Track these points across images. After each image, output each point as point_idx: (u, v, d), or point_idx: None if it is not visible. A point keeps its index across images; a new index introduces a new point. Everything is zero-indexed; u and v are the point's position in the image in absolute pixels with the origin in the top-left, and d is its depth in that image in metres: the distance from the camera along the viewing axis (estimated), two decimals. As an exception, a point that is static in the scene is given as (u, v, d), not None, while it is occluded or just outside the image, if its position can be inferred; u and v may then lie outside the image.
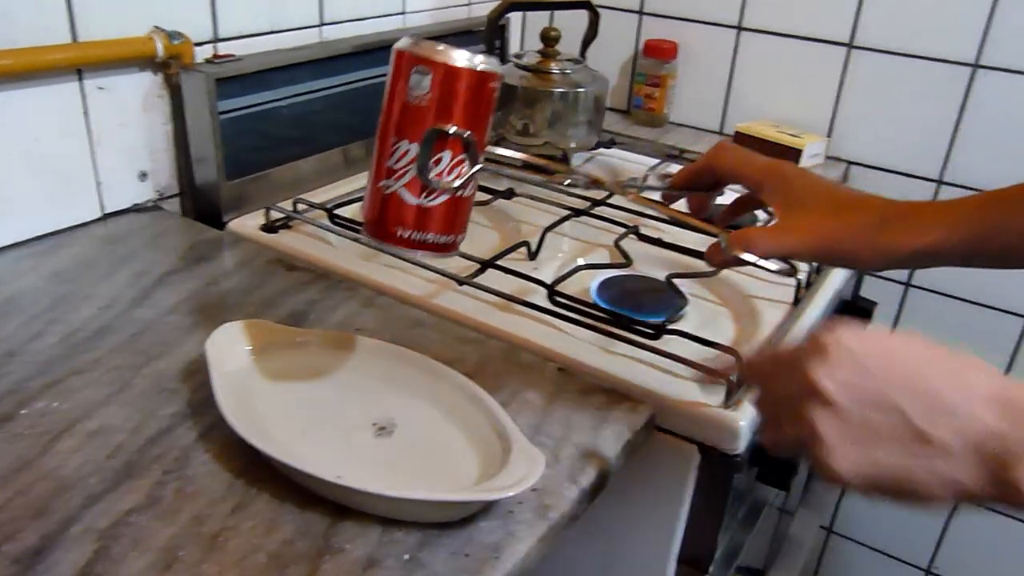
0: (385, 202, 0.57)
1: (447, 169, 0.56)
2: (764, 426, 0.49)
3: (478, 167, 0.57)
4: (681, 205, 0.67)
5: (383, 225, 0.58)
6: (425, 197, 0.56)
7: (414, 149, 0.55)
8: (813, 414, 0.44)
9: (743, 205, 0.67)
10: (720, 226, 0.63)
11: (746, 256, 0.58)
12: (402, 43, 0.56)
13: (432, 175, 0.55)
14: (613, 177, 1.19)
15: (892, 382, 0.43)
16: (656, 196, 0.66)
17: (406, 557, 0.51)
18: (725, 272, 0.90)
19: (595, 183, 0.66)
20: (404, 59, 0.55)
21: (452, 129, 0.55)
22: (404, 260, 0.79)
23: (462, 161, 0.56)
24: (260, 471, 0.57)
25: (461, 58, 0.55)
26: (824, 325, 0.45)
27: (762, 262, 0.59)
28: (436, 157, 0.55)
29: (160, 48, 0.89)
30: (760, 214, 0.75)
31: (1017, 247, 0.55)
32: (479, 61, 0.55)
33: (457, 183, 0.56)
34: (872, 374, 0.44)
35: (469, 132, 0.55)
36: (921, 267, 0.58)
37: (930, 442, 0.43)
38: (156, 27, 0.89)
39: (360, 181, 1.10)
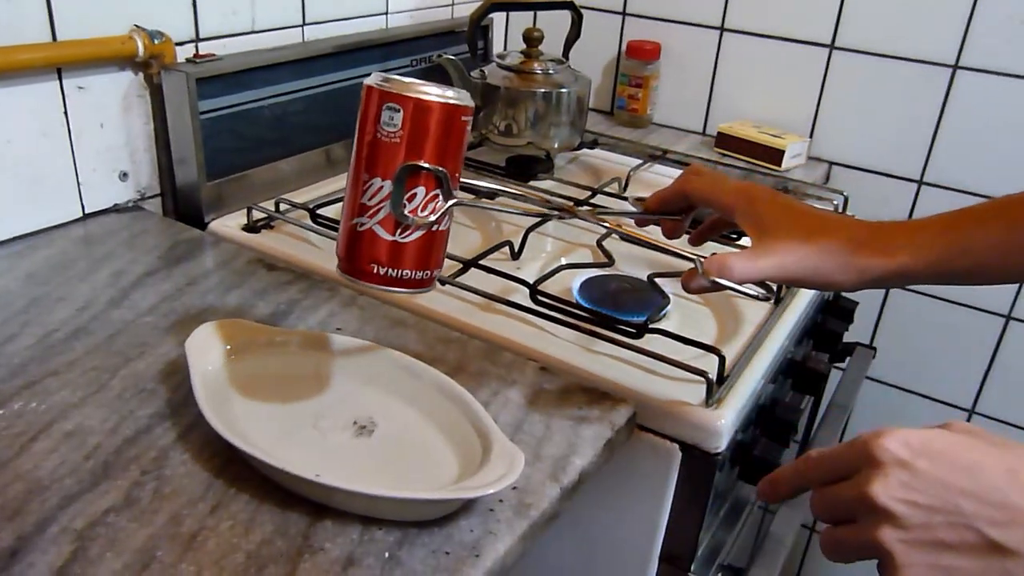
0: (359, 239, 0.56)
1: (421, 205, 0.55)
2: (824, 534, 0.48)
3: (453, 202, 0.56)
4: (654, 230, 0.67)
5: (357, 262, 0.57)
6: (400, 234, 0.56)
7: (387, 186, 0.55)
8: (878, 532, 0.43)
9: (716, 227, 0.68)
10: (694, 245, 0.63)
11: (722, 281, 0.58)
12: (372, 79, 0.56)
13: (407, 211, 0.55)
14: (596, 181, 1.20)
15: (950, 488, 0.43)
16: (630, 221, 0.67)
17: (385, 556, 0.51)
18: (707, 271, 0.90)
19: (567, 211, 0.66)
20: (374, 95, 0.55)
21: (425, 165, 0.54)
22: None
23: (436, 196, 0.56)
24: (239, 471, 0.56)
25: (432, 93, 0.54)
26: (871, 433, 0.45)
27: (739, 287, 0.59)
28: (410, 193, 0.55)
29: (140, 48, 0.89)
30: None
31: (983, 265, 0.56)
32: (450, 95, 0.55)
33: (432, 218, 0.56)
34: (929, 481, 0.43)
35: (442, 168, 0.55)
36: (894, 287, 0.58)
37: (1005, 550, 0.42)
38: (136, 26, 0.89)
39: (341, 182, 1.10)
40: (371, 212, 0.56)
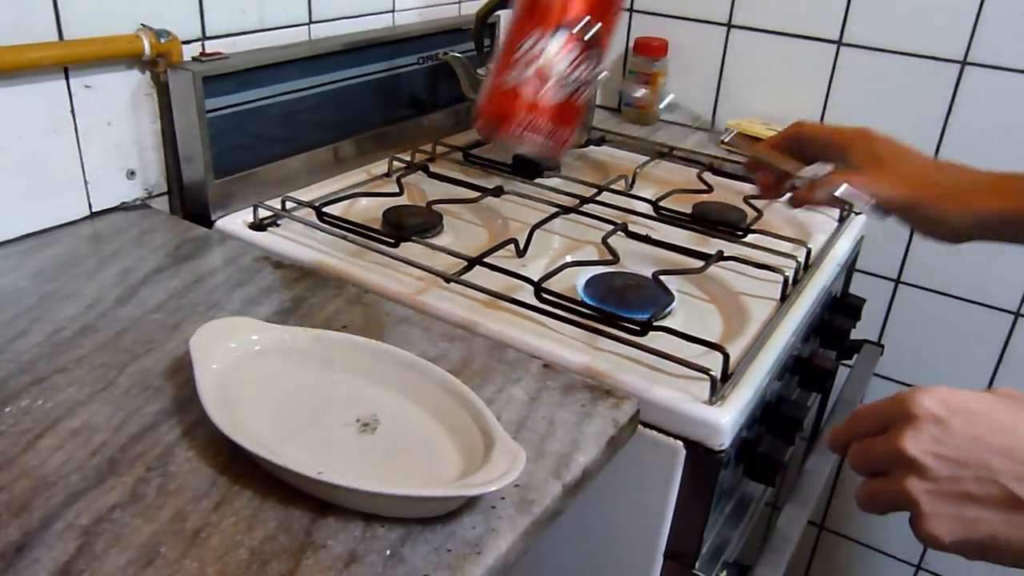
0: (505, 96, 0.58)
1: (573, 65, 0.57)
2: (859, 486, 0.50)
3: (601, 69, 0.58)
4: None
5: (500, 117, 0.59)
6: (545, 92, 0.57)
7: (542, 43, 0.56)
8: (905, 482, 0.45)
9: (814, 187, 0.69)
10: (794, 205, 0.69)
11: (841, 191, 0.61)
12: None
13: (558, 68, 0.56)
14: (603, 178, 1.20)
15: (981, 445, 0.44)
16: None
17: (387, 553, 0.51)
18: (712, 269, 0.90)
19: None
20: None
21: (578, 27, 0.56)
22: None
23: (585, 59, 0.57)
24: (243, 468, 0.57)
25: None
26: (912, 389, 0.46)
27: (857, 199, 0.62)
28: (562, 52, 0.56)
29: (147, 46, 0.89)
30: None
31: None
32: None
33: (576, 75, 0.58)
34: (960, 437, 0.45)
35: (595, 28, 0.56)
36: (999, 233, 0.61)
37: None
38: (143, 25, 0.89)
39: (349, 179, 1.10)
40: (521, 69, 0.57)
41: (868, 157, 0.62)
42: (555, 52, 0.55)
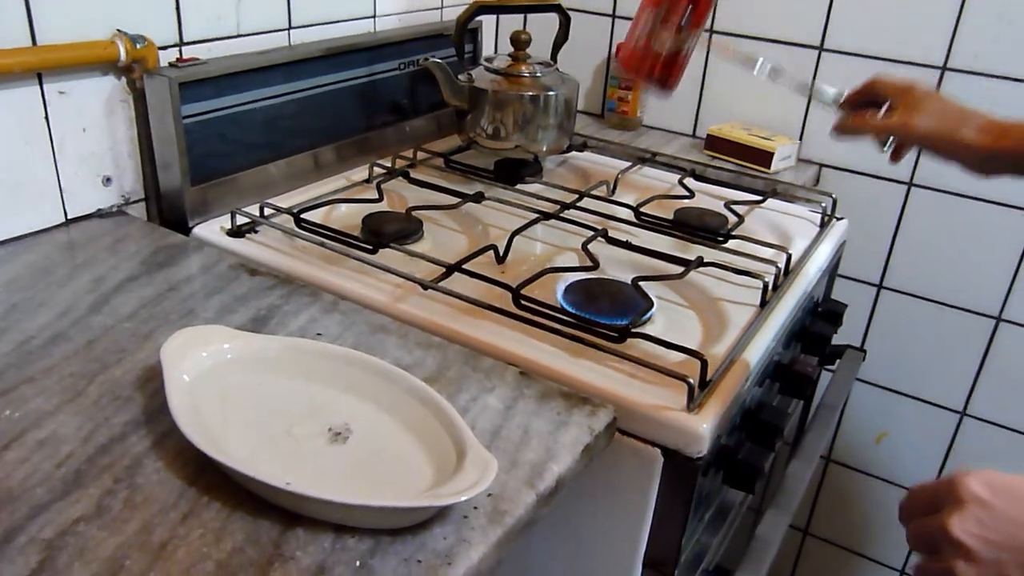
0: (632, 52, 0.83)
1: (675, 29, 0.80)
2: (917, 564, 0.52)
3: (695, 33, 0.81)
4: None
5: (629, 68, 0.85)
6: (656, 45, 0.81)
7: (650, 12, 0.81)
8: (953, 563, 0.48)
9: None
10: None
11: (870, 123, 0.78)
12: None
13: (662, 27, 0.80)
14: (585, 184, 1.19)
15: (1022, 527, 0.47)
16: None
17: (357, 564, 0.50)
18: (692, 275, 0.90)
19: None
20: None
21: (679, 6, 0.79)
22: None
23: (682, 26, 0.80)
24: (213, 479, 0.56)
25: None
26: (961, 472, 0.50)
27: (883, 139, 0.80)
28: (666, 19, 0.80)
29: (123, 52, 0.88)
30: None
31: None
32: None
33: (670, 40, 0.81)
34: (1003, 520, 0.47)
35: (689, 8, 0.79)
36: (995, 171, 0.73)
37: None
38: (119, 31, 0.89)
39: (329, 186, 1.10)
40: (641, 28, 0.82)
41: (904, 101, 0.76)
42: (659, 19, 0.80)
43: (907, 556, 1.44)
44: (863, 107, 0.82)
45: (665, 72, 0.83)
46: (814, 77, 1.26)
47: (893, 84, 0.79)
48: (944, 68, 1.17)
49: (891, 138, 0.80)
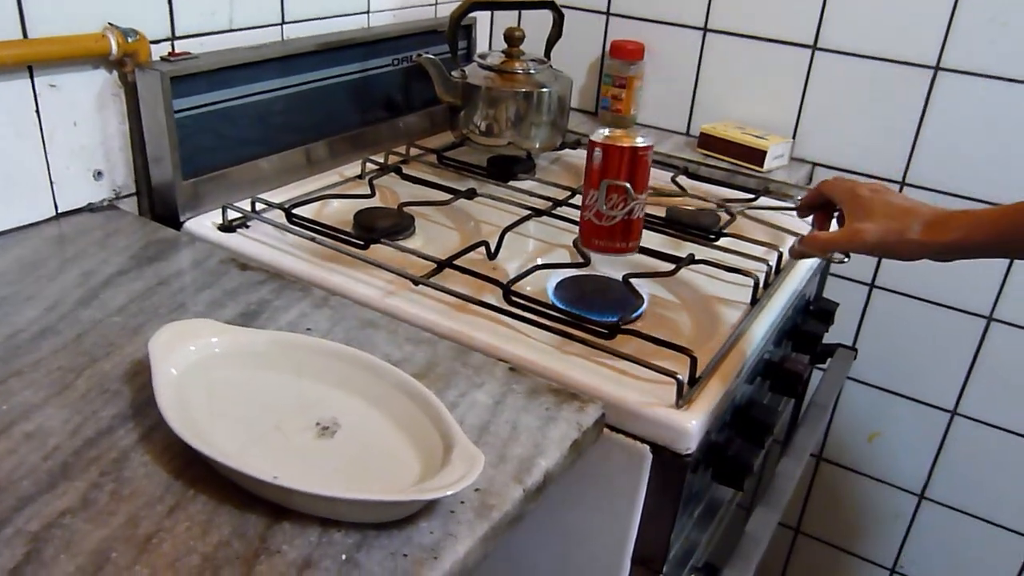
0: (585, 225, 0.85)
1: (614, 204, 0.82)
2: None
3: (635, 202, 0.82)
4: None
5: (584, 239, 0.86)
6: (604, 220, 0.84)
7: (593, 194, 0.83)
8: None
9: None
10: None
11: (821, 242, 0.79)
12: (594, 136, 0.83)
13: (604, 208, 0.83)
14: (578, 181, 1.19)
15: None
16: None
17: (343, 558, 0.50)
18: (683, 272, 0.90)
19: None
20: (591, 145, 0.83)
21: (616, 181, 0.82)
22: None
23: (624, 199, 0.82)
24: (199, 472, 0.56)
25: (623, 140, 0.81)
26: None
27: (832, 255, 0.82)
28: (607, 197, 0.82)
29: (114, 46, 0.88)
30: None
31: None
32: (640, 140, 0.81)
33: (618, 213, 0.83)
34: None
35: (628, 182, 0.81)
36: (952, 259, 0.74)
37: None
38: (110, 24, 0.88)
39: (321, 181, 1.10)
40: (588, 210, 0.84)
41: (849, 208, 0.78)
42: (603, 199, 0.83)
43: (898, 555, 1.44)
44: (815, 210, 0.85)
45: (623, 238, 0.84)
46: (807, 77, 1.26)
47: (839, 188, 0.80)
48: (937, 68, 1.17)
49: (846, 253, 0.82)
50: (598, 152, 0.82)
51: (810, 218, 0.87)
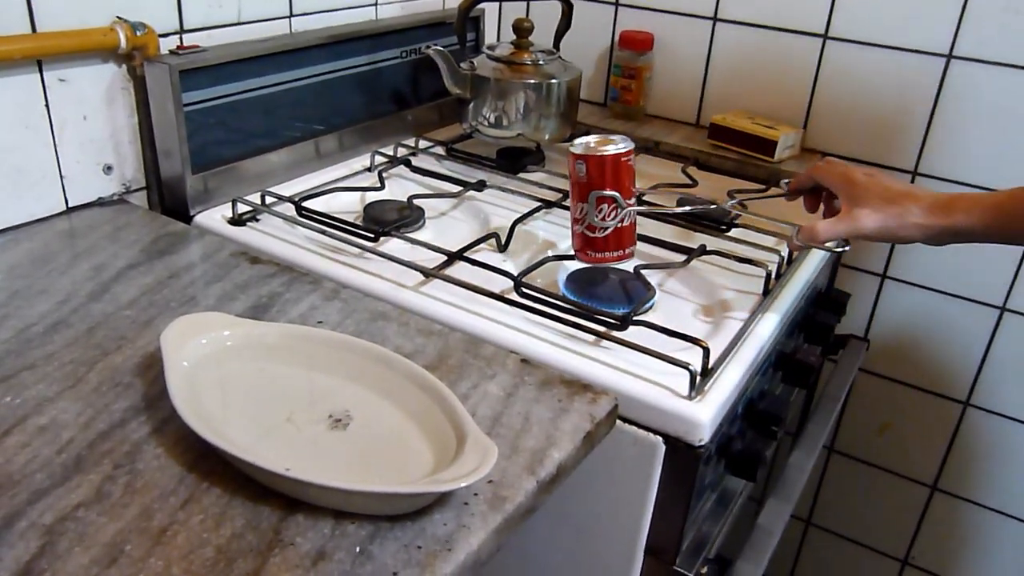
0: (577, 237, 0.84)
1: (606, 215, 0.81)
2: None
3: (625, 211, 0.81)
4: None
5: (579, 251, 0.85)
6: (597, 232, 0.82)
7: (583, 207, 0.82)
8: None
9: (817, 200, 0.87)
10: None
11: (820, 233, 0.77)
12: (574, 148, 0.81)
13: (596, 219, 0.81)
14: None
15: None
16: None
17: (357, 550, 0.50)
18: (695, 263, 0.90)
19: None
20: (570, 157, 0.82)
21: (605, 192, 0.80)
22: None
23: (615, 208, 0.81)
24: (212, 465, 0.56)
25: (603, 149, 0.80)
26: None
27: (828, 244, 0.80)
28: (597, 208, 0.81)
29: (123, 39, 0.88)
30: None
31: None
32: (618, 147, 0.80)
33: (610, 223, 0.81)
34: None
35: (613, 192, 0.80)
36: (950, 243, 0.74)
37: None
38: (119, 18, 0.88)
39: (330, 174, 1.09)
40: (579, 222, 0.83)
41: (845, 195, 0.77)
42: (593, 212, 0.81)
43: (910, 546, 1.44)
44: (806, 194, 0.85)
45: (618, 246, 0.83)
46: (818, 67, 1.26)
47: (832, 173, 0.79)
48: (950, 56, 1.16)
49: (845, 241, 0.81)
50: (580, 164, 0.80)
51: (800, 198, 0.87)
